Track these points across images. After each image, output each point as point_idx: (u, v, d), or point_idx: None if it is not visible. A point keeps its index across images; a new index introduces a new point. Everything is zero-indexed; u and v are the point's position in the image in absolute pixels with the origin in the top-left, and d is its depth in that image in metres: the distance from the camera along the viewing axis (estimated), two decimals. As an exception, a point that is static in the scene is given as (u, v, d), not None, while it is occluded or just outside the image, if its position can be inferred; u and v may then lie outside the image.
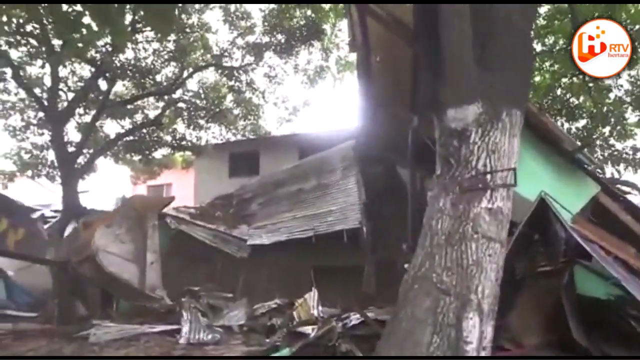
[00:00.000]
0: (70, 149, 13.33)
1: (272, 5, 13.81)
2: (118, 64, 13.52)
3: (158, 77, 14.93)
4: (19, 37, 11.43)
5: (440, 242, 3.74)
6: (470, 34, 3.87)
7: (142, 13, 10.06)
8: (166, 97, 15.21)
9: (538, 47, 12.06)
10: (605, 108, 12.87)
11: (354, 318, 6.08)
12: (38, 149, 14.55)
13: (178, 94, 15.46)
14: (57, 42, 11.67)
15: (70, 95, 13.83)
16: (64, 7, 5.40)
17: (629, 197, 7.57)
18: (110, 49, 12.62)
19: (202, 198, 14.40)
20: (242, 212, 12.01)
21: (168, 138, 16.09)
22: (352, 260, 9.36)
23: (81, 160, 13.78)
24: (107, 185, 19.62)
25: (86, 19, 5.16)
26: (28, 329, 7.03)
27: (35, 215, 12.64)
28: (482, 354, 3.57)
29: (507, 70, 3.99)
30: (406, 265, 4.91)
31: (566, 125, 13.25)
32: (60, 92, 13.59)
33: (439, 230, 3.78)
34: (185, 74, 14.91)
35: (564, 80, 12.91)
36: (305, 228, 10.22)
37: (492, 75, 3.91)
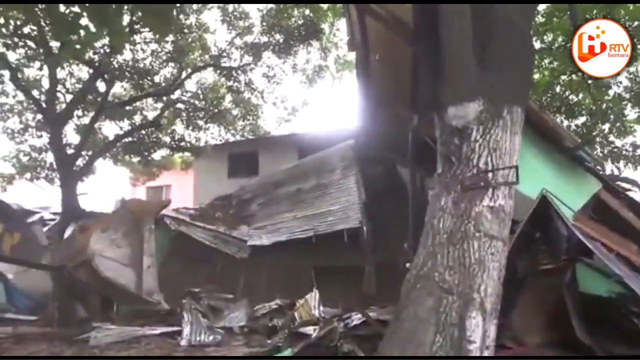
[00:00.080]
0: (69, 151, 13.29)
1: (270, 5, 13.78)
2: (116, 65, 13.49)
3: (156, 78, 14.93)
4: (16, 39, 11.37)
5: (442, 241, 3.72)
6: (470, 33, 3.86)
7: (140, 14, 10.04)
8: (165, 98, 15.18)
9: (537, 45, 12.06)
10: (604, 105, 12.88)
11: (356, 318, 6.06)
12: (37, 151, 14.52)
13: (177, 94, 15.45)
14: (55, 44, 11.62)
15: (69, 97, 13.82)
16: (62, 8, 5.38)
17: (629, 193, 7.56)
18: (108, 50, 12.58)
19: (201, 199, 14.37)
20: (242, 213, 11.99)
21: (167, 139, 16.06)
22: (352, 260, 9.34)
23: (80, 162, 13.75)
24: (106, 187, 19.58)
25: (84, 20, 5.14)
26: (28, 333, 7.00)
27: (34, 218, 12.62)
28: (485, 353, 3.55)
29: (507, 69, 3.98)
30: (408, 265, 4.90)
31: (565, 123, 13.25)
32: (59, 94, 13.55)
33: (440, 229, 3.76)
34: (184, 74, 14.89)
35: (563, 77, 12.93)
36: (305, 228, 10.20)
37: (493, 73, 3.90)
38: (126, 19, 11.10)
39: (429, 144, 5.93)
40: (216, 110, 15.68)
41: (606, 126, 13.49)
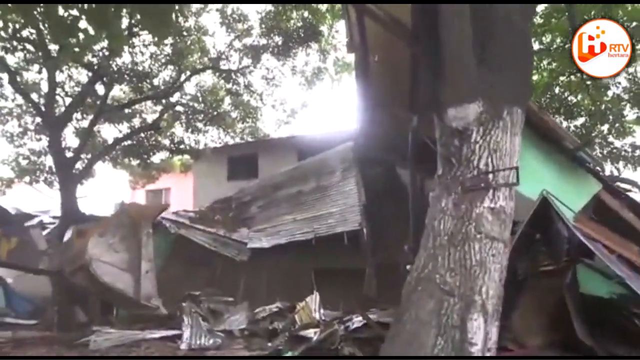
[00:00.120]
0: (68, 154, 13.28)
1: (268, 7, 13.79)
2: (115, 68, 13.48)
3: (155, 81, 14.90)
4: (15, 43, 11.38)
5: (443, 242, 3.71)
6: (470, 33, 3.84)
7: (138, 17, 10.03)
8: (164, 100, 15.15)
9: (535, 46, 12.07)
10: (603, 106, 12.89)
11: (356, 321, 6.05)
12: (36, 154, 14.51)
13: (176, 97, 15.42)
14: (53, 47, 11.62)
15: (68, 100, 13.79)
16: (60, 11, 5.37)
17: (630, 194, 7.55)
18: (107, 53, 12.56)
19: (201, 202, 14.35)
20: (242, 216, 11.97)
21: (166, 142, 16.03)
22: (352, 263, 9.32)
23: (79, 165, 13.72)
24: (106, 190, 19.57)
25: (83, 24, 5.13)
26: (27, 337, 6.97)
27: (33, 222, 12.60)
28: (487, 355, 3.53)
29: (507, 69, 3.97)
30: (408, 267, 4.88)
31: (565, 124, 13.25)
32: (58, 97, 13.53)
33: (441, 230, 3.75)
34: (183, 77, 14.86)
35: (562, 78, 12.95)
36: (305, 230, 10.18)
37: (493, 74, 3.89)
38: (125, 21, 11.10)
39: (429, 145, 5.93)
40: (215, 113, 15.66)
41: (605, 127, 13.50)
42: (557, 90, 13.47)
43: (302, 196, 11.27)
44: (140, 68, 14.16)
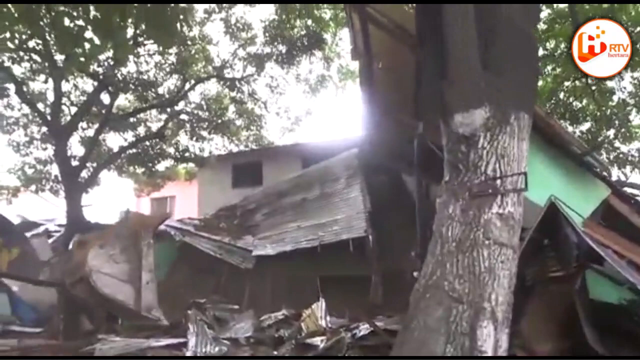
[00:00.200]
0: (74, 163, 13.33)
1: (272, 16, 13.88)
2: (120, 78, 13.60)
3: (160, 90, 15.02)
4: (21, 53, 11.50)
5: (451, 249, 3.66)
6: (474, 37, 3.83)
7: (143, 26, 10.12)
8: (169, 109, 15.24)
9: (540, 52, 12.05)
10: (609, 110, 12.83)
11: (363, 328, 5.99)
12: (42, 163, 14.58)
13: (180, 106, 15.50)
14: (59, 57, 11.73)
15: (73, 110, 13.89)
16: (66, 21, 5.41)
17: (638, 199, 7.48)
18: (112, 62, 12.67)
19: (206, 209, 14.37)
20: (247, 223, 11.97)
21: (171, 150, 16.09)
22: (358, 270, 9.29)
23: (85, 174, 13.78)
24: (111, 198, 19.62)
25: (88, 34, 5.17)
26: (33, 345, 6.95)
27: (38, 230, 12.64)
28: (498, 363, 3.49)
29: (513, 74, 3.95)
30: (416, 274, 4.84)
31: (570, 129, 13.19)
32: (63, 107, 13.62)
33: (449, 237, 3.71)
34: (187, 86, 14.96)
35: (567, 83, 12.92)
36: (310, 238, 10.16)
37: (499, 78, 3.87)
38: (130, 31, 11.18)
39: (434, 151, 5.91)
40: (220, 121, 15.73)
41: (611, 132, 13.44)
42: (562, 95, 13.44)
43: (306, 203, 11.26)
44: (145, 77, 14.28)
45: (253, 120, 16.64)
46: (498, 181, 3.69)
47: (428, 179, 7.56)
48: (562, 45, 11.97)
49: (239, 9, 14.20)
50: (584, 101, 13.33)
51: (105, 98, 13.95)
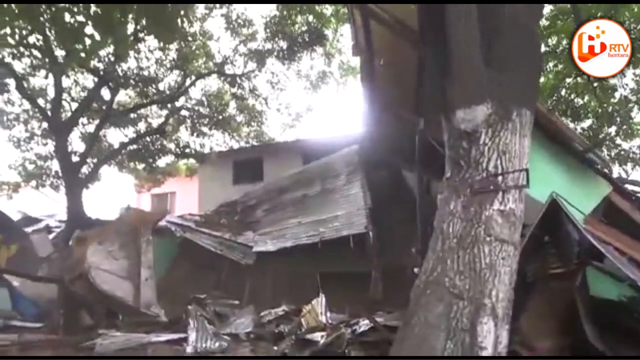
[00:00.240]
0: (74, 159, 13.34)
1: (273, 12, 13.83)
2: (121, 73, 13.57)
3: (161, 86, 14.99)
4: (22, 49, 11.47)
5: (452, 245, 3.66)
6: (477, 34, 3.81)
7: (144, 22, 10.10)
8: (169, 105, 15.23)
9: (541, 48, 12.02)
10: (610, 107, 12.82)
11: (363, 324, 6.00)
12: (42, 159, 14.58)
13: (181, 102, 15.52)
14: (60, 53, 11.71)
15: (74, 105, 13.90)
16: (67, 17, 5.40)
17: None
18: (113, 58, 12.65)
19: (206, 206, 14.38)
20: (247, 219, 11.98)
21: (172, 146, 16.08)
22: (358, 266, 9.30)
23: (85, 169, 13.78)
24: (112, 194, 19.63)
25: (89, 29, 5.16)
26: (33, 340, 6.97)
27: (39, 226, 12.65)
28: None
29: (515, 70, 3.93)
30: (416, 270, 4.84)
31: (571, 126, 13.17)
32: (64, 103, 13.62)
33: (450, 233, 3.70)
34: (188, 82, 14.94)
35: (569, 80, 12.89)
36: (311, 234, 10.18)
37: (501, 75, 3.85)
38: (131, 27, 11.16)
39: (435, 147, 5.90)
40: (220, 117, 15.71)
41: (612, 129, 13.43)
42: (563, 92, 13.42)
43: (307, 200, 11.26)
44: (145, 73, 14.24)
45: (254, 116, 16.62)
46: (499, 178, 3.68)
47: (429, 175, 7.56)
48: (564, 42, 11.93)
49: (240, 5, 14.17)
50: (586, 98, 13.31)
51: (105, 94, 13.95)
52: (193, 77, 14.96)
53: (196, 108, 15.69)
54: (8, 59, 11.52)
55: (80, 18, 5.23)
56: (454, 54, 3.78)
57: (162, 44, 13.19)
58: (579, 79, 12.22)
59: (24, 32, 10.36)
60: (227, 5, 13.98)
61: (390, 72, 7.81)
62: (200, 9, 13.98)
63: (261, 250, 10.42)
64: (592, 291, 5.10)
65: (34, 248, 10.48)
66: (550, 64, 12.83)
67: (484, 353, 3.40)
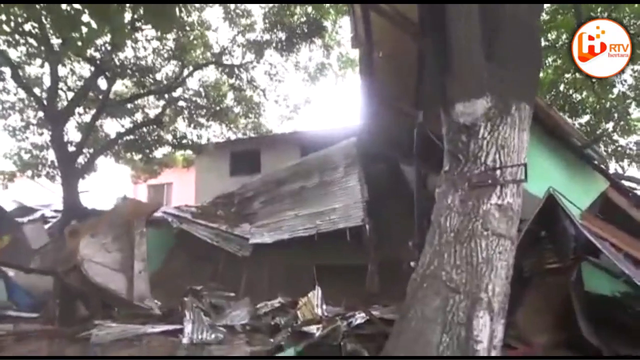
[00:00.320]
0: (71, 149, 13.24)
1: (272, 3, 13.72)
2: (118, 63, 13.42)
3: (158, 76, 14.86)
4: (17, 37, 11.34)
5: (449, 239, 3.66)
6: (478, 28, 3.79)
7: (141, 11, 9.99)
8: (166, 95, 15.12)
9: (541, 43, 11.98)
10: (608, 103, 12.82)
11: (359, 317, 6.01)
12: (38, 148, 14.47)
13: (178, 92, 15.39)
14: (56, 41, 11.60)
15: (70, 95, 13.76)
16: (63, 5, 5.32)
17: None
18: (109, 47, 12.53)
19: (203, 197, 14.34)
20: (244, 211, 11.96)
21: (169, 137, 15.99)
22: (355, 259, 9.31)
23: (81, 159, 13.69)
24: (108, 184, 19.56)
25: (85, 17, 5.08)
26: (29, 330, 6.96)
27: (35, 216, 12.60)
28: (493, 353, 3.50)
29: (515, 64, 3.91)
30: (413, 264, 4.84)
31: (569, 121, 13.18)
32: (60, 92, 13.50)
33: (447, 227, 3.70)
34: (186, 72, 14.81)
35: (567, 75, 12.87)
36: (307, 226, 10.17)
37: (501, 69, 3.83)
38: (128, 16, 11.04)
39: (434, 140, 5.88)
40: (218, 108, 15.61)
41: (610, 125, 13.44)
42: (562, 87, 13.40)
43: (304, 192, 11.24)
44: (143, 63, 14.12)
45: (252, 107, 16.54)
46: (498, 172, 3.67)
47: (427, 169, 7.54)
48: (564, 37, 11.90)
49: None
50: (584, 93, 13.30)
51: (102, 83, 13.82)
52: (191, 68, 14.83)
53: (193, 99, 15.57)
54: (3, 47, 11.41)
55: (77, 6, 5.15)
56: (454, 48, 3.77)
57: (159, 34, 13.09)
58: (577, 74, 12.18)
59: (20, 20, 10.24)
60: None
61: (389, 64, 7.77)
62: (199, -2, 13.86)
63: (258, 242, 10.42)
64: (587, 286, 5.13)
65: (27, 239, 10.44)
66: (550, 59, 12.80)
67: (480, 347, 3.41)
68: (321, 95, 34.63)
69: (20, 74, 12.50)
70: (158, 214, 10.74)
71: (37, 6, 6.25)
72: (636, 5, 10.24)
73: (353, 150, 11.16)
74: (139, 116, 15.65)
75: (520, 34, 4.02)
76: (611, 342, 4.57)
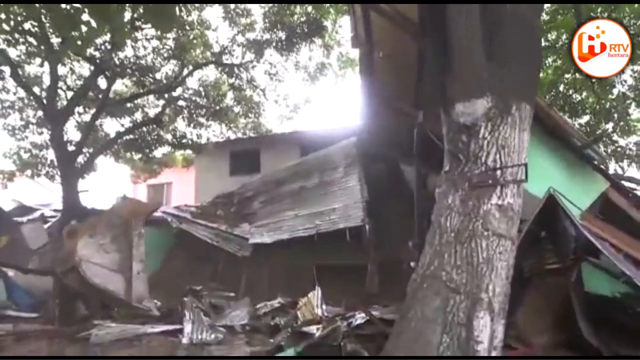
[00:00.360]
0: (70, 148, 13.21)
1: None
2: (117, 62, 13.41)
3: (158, 75, 14.84)
4: (17, 36, 11.32)
5: (450, 239, 3.65)
6: (478, 27, 3.79)
7: (141, 11, 9.98)
8: (166, 95, 15.10)
9: (541, 43, 11.98)
10: (608, 104, 12.82)
11: (359, 317, 6.00)
12: (37, 148, 14.44)
13: (178, 92, 15.36)
14: (56, 41, 11.57)
15: (70, 94, 13.74)
16: (63, 4, 5.31)
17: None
18: (109, 47, 12.52)
19: (203, 197, 14.33)
20: (244, 211, 11.96)
21: (168, 136, 15.96)
22: (355, 259, 9.30)
23: (81, 159, 13.67)
24: (108, 184, 19.54)
25: (85, 17, 5.07)
26: (29, 330, 6.95)
27: (34, 215, 12.59)
28: (493, 353, 3.50)
29: (516, 64, 3.90)
30: (413, 264, 4.84)
31: (569, 122, 13.17)
32: (60, 91, 13.48)
33: (448, 227, 3.70)
34: (185, 71, 14.80)
35: (567, 76, 12.87)
36: (307, 226, 10.17)
37: (502, 69, 3.83)
38: (128, 15, 11.02)
39: (434, 140, 5.87)
40: (218, 108, 15.59)
41: (610, 125, 13.44)
42: (561, 87, 13.40)
43: (304, 192, 11.23)
44: (142, 62, 14.11)
45: (251, 107, 16.53)
46: (498, 172, 3.67)
47: (427, 169, 7.53)
48: (564, 37, 11.90)
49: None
50: (584, 94, 13.29)
51: (102, 83, 13.78)
52: (190, 67, 14.81)
53: (193, 98, 15.55)
54: (3, 46, 11.39)
55: (77, 5, 5.14)
56: (454, 47, 3.76)
57: (159, 33, 13.07)
58: (577, 74, 12.18)
59: (19, 19, 10.21)
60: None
61: (389, 64, 7.77)
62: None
63: (257, 242, 10.41)
64: (587, 287, 5.13)
65: (25, 240, 10.42)
66: (550, 59, 12.80)
67: (480, 347, 3.41)
68: (321, 95, 34.68)
69: (20, 73, 12.48)
70: (157, 213, 10.72)
71: (37, 5, 6.24)
72: (636, 5, 10.24)
73: (353, 150, 11.14)
74: (138, 116, 15.64)
75: (521, 33, 4.02)
76: (611, 343, 4.57)
